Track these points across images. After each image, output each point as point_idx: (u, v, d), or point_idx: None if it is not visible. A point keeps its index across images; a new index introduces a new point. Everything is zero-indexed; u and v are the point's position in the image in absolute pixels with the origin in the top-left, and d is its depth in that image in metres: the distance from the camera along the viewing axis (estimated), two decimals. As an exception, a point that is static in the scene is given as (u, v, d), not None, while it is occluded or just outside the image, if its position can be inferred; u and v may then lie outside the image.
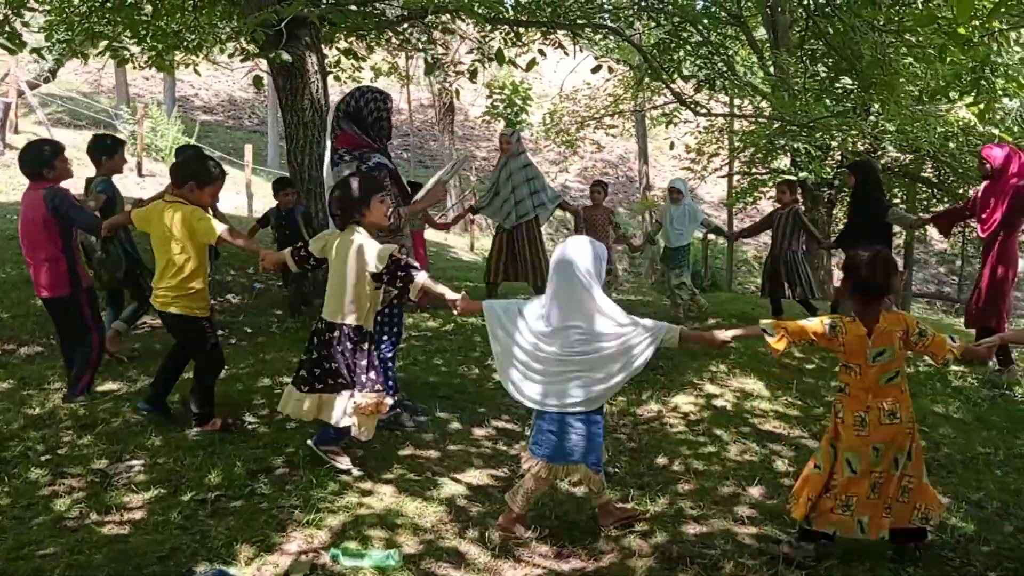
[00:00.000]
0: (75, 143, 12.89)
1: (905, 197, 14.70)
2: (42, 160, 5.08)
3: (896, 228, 9.46)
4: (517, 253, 8.03)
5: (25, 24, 9.15)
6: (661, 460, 4.58)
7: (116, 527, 3.46)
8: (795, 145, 11.63)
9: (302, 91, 7.33)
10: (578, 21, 9.30)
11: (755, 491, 4.23)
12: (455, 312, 3.96)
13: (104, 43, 9.10)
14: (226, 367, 5.01)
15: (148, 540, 3.33)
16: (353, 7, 8.11)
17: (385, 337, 4.68)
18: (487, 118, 23.43)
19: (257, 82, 7.78)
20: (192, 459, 4.13)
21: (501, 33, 9.93)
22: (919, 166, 13.49)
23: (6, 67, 17.18)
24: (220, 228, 4.52)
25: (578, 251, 3.55)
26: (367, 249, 3.95)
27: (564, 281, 3.52)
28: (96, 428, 4.59)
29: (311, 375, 4.04)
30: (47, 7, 9.49)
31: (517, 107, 22.21)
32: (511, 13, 9.05)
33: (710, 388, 5.82)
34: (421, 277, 3.92)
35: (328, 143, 4.60)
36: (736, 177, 17.74)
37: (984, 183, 6.46)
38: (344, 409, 3.98)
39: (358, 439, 4.08)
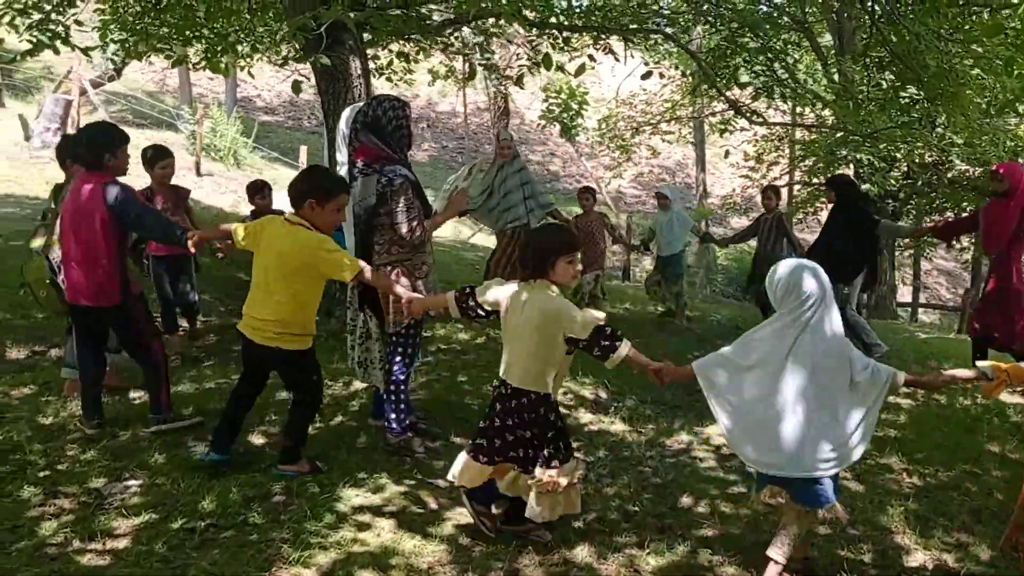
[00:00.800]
0: (137, 142, 12.97)
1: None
2: (106, 144, 4.36)
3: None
4: (507, 256, 7.79)
5: (78, 23, 9.25)
6: (686, 500, 4.24)
7: (97, 557, 3.31)
8: (858, 156, 11.25)
9: (344, 96, 7.21)
10: (630, 26, 9.02)
11: (785, 540, 3.90)
12: (659, 384, 3.54)
13: (157, 44, 9.16)
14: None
15: (126, 574, 3.17)
16: (395, 11, 7.96)
17: (399, 358, 4.48)
18: (542, 122, 23.19)
19: (296, 87, 7.68)
20: (190, 482, 3.97)
21: (550, 38, 9.70)
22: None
23: (70, 64, 17.51)
24: (355, 267, 3.91)
25: (817, 276, 3.15)
26: (566, 314, 3.38)
27: (806, 313, 3.12)
28: (102, 442, 4.48)
29: (538, 456, 3.51)
30: (101, 6, 9.56)
31: (573, 111, 21.94)
32: (561, 18, 8.82)
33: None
34: (625, 349, 3.37)
35: (341, 156, 4.41)
36: (796, 187, 17.25)
37: (992, 199, 6.49)
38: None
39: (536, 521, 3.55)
